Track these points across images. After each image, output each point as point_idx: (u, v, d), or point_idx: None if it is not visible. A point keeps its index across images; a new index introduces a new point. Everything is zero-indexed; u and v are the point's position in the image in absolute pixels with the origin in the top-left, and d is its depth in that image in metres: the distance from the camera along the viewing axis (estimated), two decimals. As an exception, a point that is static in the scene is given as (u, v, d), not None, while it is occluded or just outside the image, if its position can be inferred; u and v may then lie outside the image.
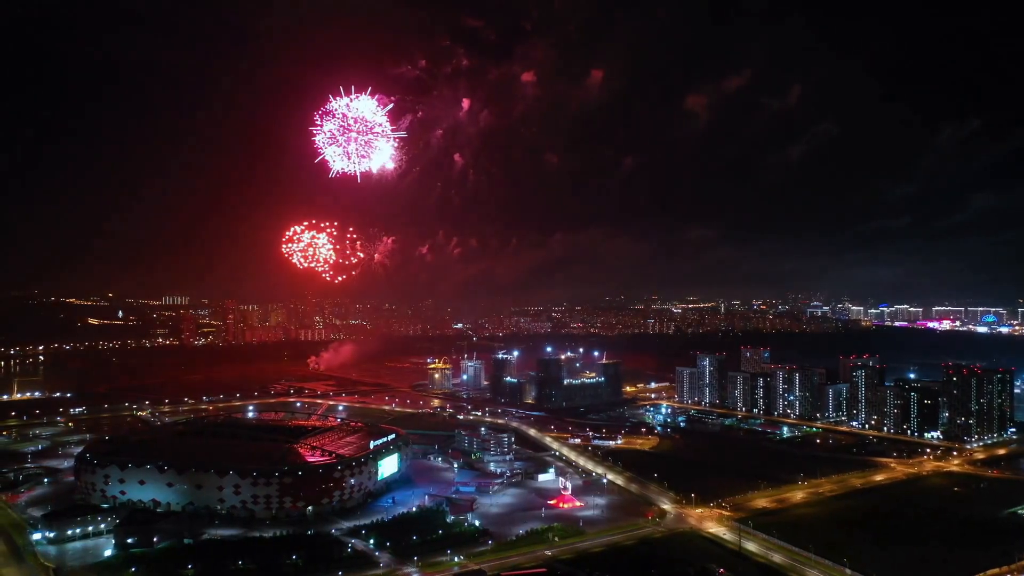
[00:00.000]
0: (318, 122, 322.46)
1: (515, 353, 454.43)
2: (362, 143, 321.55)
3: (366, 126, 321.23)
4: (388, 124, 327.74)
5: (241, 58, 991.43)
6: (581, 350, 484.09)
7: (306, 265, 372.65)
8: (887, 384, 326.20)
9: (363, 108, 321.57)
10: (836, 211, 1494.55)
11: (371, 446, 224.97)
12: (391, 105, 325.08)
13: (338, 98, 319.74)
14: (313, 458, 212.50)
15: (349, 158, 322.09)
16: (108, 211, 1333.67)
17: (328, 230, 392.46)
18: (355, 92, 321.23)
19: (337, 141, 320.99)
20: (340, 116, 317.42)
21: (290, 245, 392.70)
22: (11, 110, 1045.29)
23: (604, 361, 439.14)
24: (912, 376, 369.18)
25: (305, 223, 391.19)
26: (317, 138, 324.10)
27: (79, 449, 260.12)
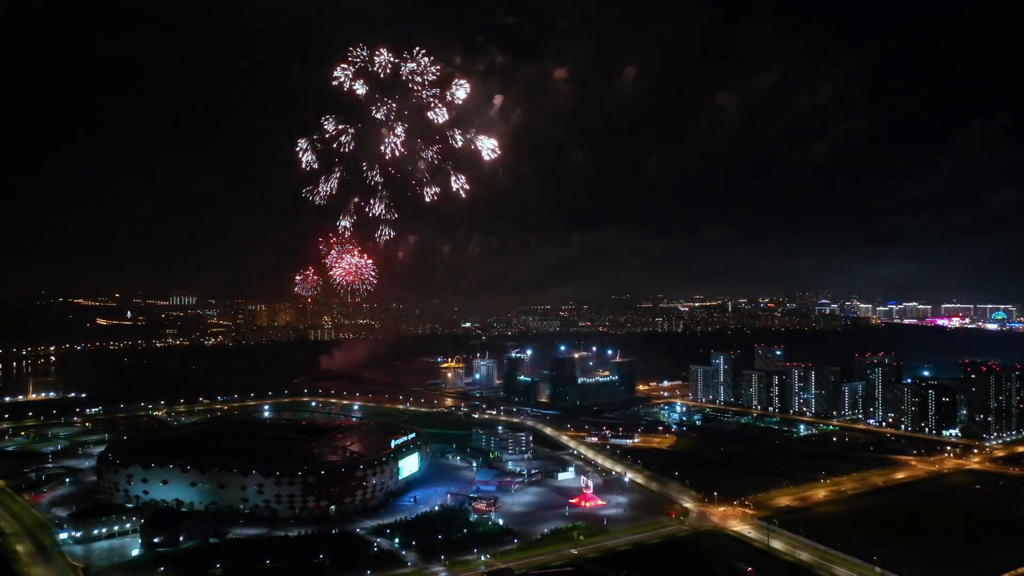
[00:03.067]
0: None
1: (529, 352, 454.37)
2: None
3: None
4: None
5: (251, 57, 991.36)
6: (594, 348, 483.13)
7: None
8: (905, 382, 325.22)
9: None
10: (855, 209, 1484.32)
11: (392, 445, 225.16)
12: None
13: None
14: (335, 457, 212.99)
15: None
16: (112, 211, 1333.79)
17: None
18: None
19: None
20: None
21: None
22: (15, 111, 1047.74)
23: (617, 360, 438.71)
24: (927, 373, 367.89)
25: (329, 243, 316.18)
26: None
27: (98, 449, 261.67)
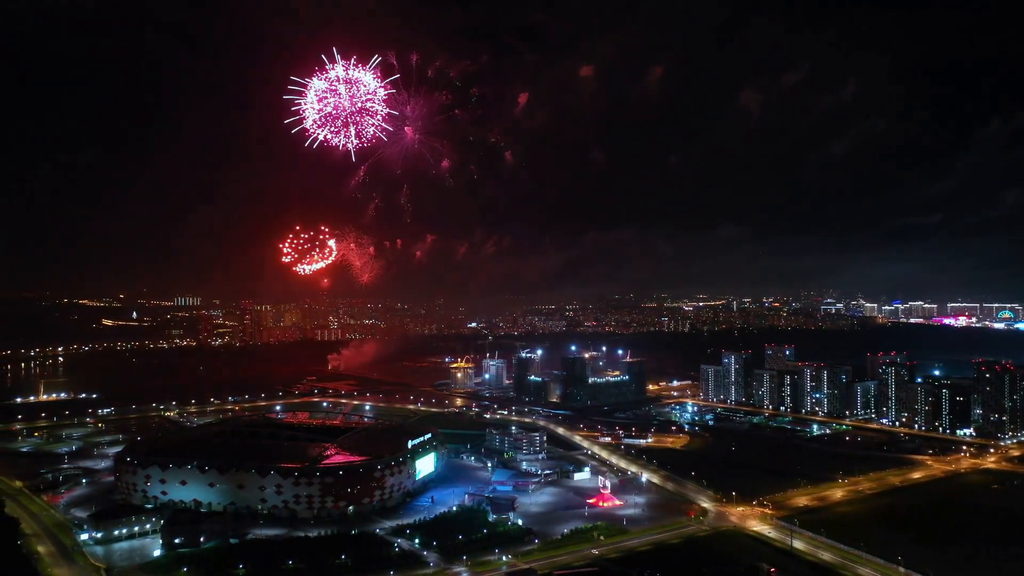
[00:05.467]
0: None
1: (539, 352, 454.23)
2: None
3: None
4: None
5: (261, 59, 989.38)
6: (603, 348, 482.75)
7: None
8: (918, 381, 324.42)
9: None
10: (868, 208, 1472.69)
11: (408, 445, 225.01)
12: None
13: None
14: (352, 458, 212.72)
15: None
16: (115, 212, 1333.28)
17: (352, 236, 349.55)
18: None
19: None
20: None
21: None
22: (19, 111, 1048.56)
23: (627, 360, 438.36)
24: (938, 373, 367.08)
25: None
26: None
27: (112, 450, 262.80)
